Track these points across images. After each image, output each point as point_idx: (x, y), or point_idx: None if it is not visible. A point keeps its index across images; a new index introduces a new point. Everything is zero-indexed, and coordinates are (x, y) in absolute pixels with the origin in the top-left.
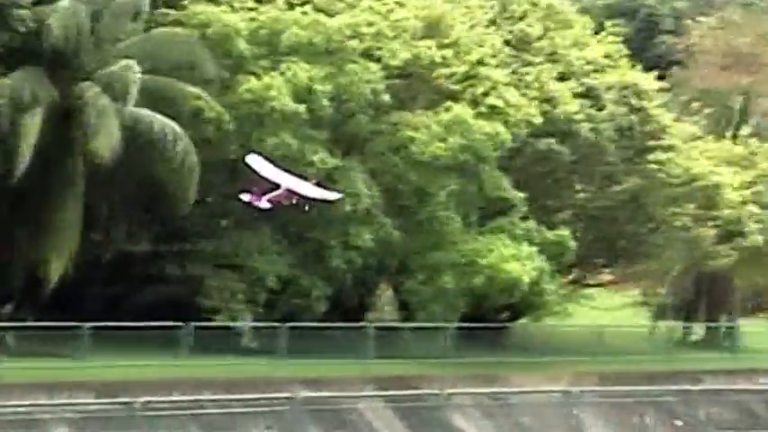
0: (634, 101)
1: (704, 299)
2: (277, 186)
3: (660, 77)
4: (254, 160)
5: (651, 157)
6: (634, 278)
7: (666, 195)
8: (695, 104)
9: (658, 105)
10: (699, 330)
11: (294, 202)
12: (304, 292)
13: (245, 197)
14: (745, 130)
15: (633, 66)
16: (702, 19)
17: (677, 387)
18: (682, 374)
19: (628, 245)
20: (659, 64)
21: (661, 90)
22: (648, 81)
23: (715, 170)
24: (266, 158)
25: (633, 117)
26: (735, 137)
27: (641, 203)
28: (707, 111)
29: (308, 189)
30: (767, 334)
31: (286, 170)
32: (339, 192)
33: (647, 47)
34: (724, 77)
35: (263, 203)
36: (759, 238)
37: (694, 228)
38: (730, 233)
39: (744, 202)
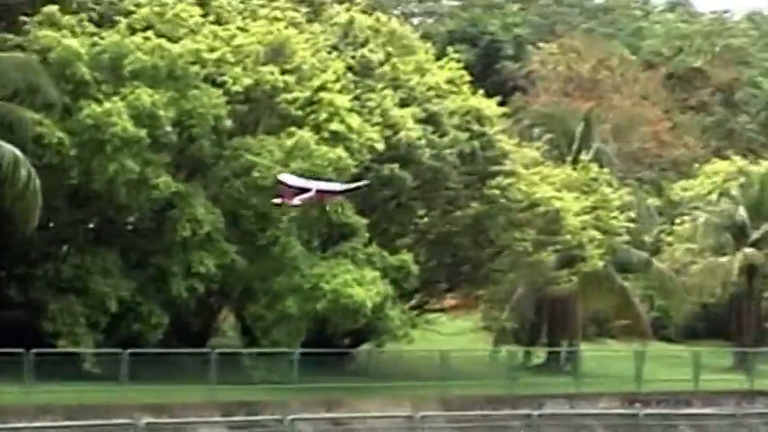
0: (476, 126)
1: (546, 323)
2: (308, 190)
3: (502, 103)
4: (286, 178)
5: (493, 182)
6: (477, 303)
7: (508, 220)
8: (536, 130)
9: (500, 131)
10: (540, 355)
11: (325, 203)
12: (144, 318)
13: (277, 200)
14: (585, 156)
15: (475, 92)
16: (543, 45)
17: (519, 411)
18: (523, 399)
19: (470, 269)
20: (501, 90)
21: (503, 116)
22: (490, 107)
23: (556, 195)
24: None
25: (475, 143)
26: (575, 162)
27: (483, 228)
28: (548, 136)
29: (337, 186)
30: (609, 358)
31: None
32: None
33: (488, 73)
34: (565, 103)
35: (295, 201)
36: (599, 264)
37: (536, 252)
38: (571, 258)
39: (584, 228)
